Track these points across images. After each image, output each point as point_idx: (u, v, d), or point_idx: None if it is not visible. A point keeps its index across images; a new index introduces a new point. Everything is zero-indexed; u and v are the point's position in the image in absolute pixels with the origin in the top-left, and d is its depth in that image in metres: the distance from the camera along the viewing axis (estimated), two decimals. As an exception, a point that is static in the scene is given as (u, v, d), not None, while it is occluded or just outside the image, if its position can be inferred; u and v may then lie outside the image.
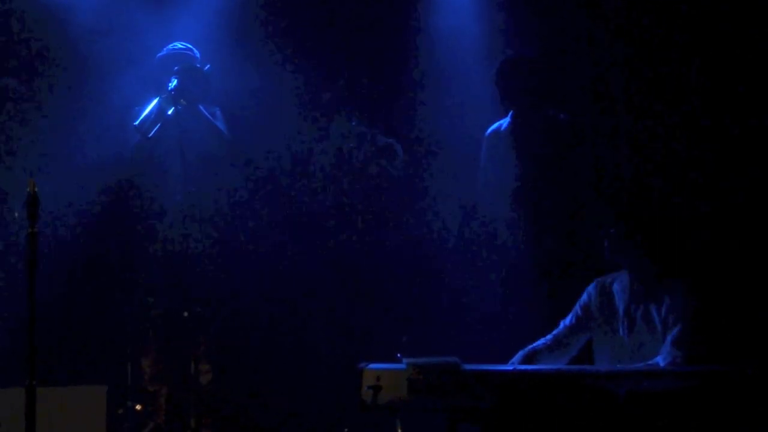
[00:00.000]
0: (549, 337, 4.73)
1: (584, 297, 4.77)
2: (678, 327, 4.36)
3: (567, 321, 4.76)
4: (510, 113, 5.93)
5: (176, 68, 5.77)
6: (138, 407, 5.75)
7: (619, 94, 6.37)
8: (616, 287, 4.66)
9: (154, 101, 5.78)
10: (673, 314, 4.40)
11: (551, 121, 5.82)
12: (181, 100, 5.70)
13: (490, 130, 6.02)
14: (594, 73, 6.36)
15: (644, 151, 6.18)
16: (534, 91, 5.85)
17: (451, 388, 3.78)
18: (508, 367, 4.15)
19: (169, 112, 5.71)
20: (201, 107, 5.83)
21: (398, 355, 4.56)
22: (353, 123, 6.18)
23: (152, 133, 5.65)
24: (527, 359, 4.55)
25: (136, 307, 5.88)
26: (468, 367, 3.84)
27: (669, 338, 4.35)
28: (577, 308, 4.76)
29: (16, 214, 5.93)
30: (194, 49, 5.99)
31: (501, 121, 5.99)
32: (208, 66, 5.84)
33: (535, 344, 4.67)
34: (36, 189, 4.22)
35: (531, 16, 6.45)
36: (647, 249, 4.54)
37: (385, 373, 3.94)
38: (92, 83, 6.28)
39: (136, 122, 5.68)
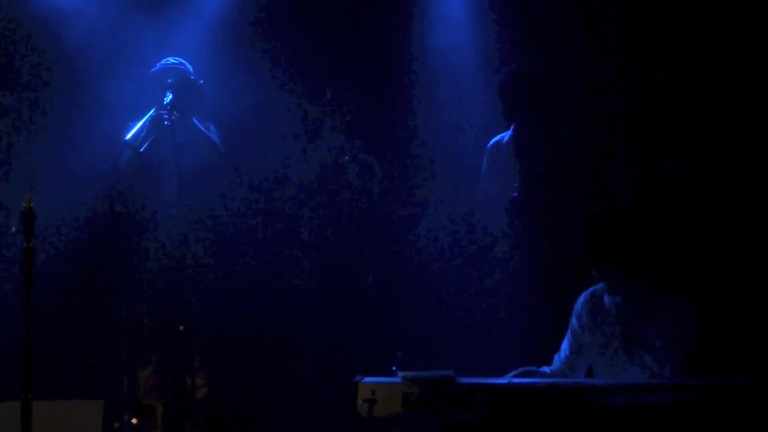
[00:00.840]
0: (546, 370, 4.59)
1: (574, 322, 4.63)
2: (681, 350, 4.30)
3: (561, 354, 4.62)
4: (512, 126, 5.92)
5: (170, 81, 5.80)
6: (134, 421, 5.73)
7: (617, 108, 6.40)
8: (607, 301, 4.54)
9: (147, 115, 5.79)
10: (675, 336, 4.32)
11: (551, 134, 5.81)
12: (176, 113, 5.72)
13: (492, 142, 6.01)
14: (591, 87, 6.39)
15: (641, 168, 6.20)
16: (535, 104, 5.84)
17: (446, 402, 3.78)
18: (503, 380, 4.14)
19: (165, 124, 5.73)
20: (195, 121, 5.85)
21: (393, 368, 4.55)
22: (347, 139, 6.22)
23: (143, 148, 5.67)
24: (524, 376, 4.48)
25: (132, 320, 5.87)
26: (463, 380, 3.83)
27: (672, 362, 4.29)
28: (569, 336, 4.63)
29: (13, 229, 5.91)
30: (187, 63, 6.01)
31: (503, 134, 5.98)
32: (202, 80, 5.86)
33: (533, 368, 4.57)
34: (32, 204, 4.23)
35: (526, 31, 6.46)
36: (646, 275, 4.41)
37: (380, 386, 3.93)
38: (87, 95, 6.29)
39: (128, 137, 5.70)
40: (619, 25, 6.25)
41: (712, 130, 5.90)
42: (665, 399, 3.73)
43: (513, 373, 4.45)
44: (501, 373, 4.52)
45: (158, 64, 6.00)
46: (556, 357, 4.66)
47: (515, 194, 5.75)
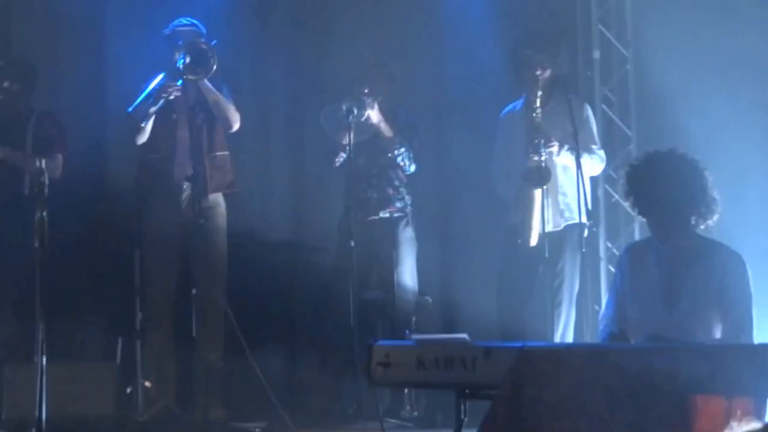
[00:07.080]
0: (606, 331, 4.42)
1: (617, 276, 4.51)
2: (736, 307, 4.17)
3: (608, 314, 4.45)
4: (524, 95, 5.90)
5: (181, 43, 5.77)
6: (147, 384, 5.73)
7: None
8: (650, 252, 4.38)
9: (154, 83, 5.76)
10: (725, 290, 4.18)
11: (562, 102, 5.77)
12: (189, 76, 5.71)
13: (504, 111, 6.03)
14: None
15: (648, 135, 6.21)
16: (547, 73, 5.82)
17: (460, 365, 3.77)
18: (518, 343, 4.12)
19: (179, 84, 5.74)
20: (207, 82, 5.82)
21: (407, 332, 4.56)
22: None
23: (145, 122, 5.69)
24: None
25: (145, 284, 5.84)
26: (477, 343, 3.83)
27: (730, 321, 4.17)
28: (612, 295, 4.51)
29: (26, 192, 5.93)
30: (199, 24, 5.96)
31: (515, 103, 5.98)
32: (215, 41, 5.82)
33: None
34: (44, 165, 4.25)
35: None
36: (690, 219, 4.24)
37: (394, 349, 3.93)
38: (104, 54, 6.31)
39: (130, 109, 5.70)
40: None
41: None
42: (706, 363, 3.59)
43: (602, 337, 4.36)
44: (513, 338, 4.53)
45: (170, 26, 5.95)
46: (602, 318, 4.53)
47: (527, 162, 5.73)
